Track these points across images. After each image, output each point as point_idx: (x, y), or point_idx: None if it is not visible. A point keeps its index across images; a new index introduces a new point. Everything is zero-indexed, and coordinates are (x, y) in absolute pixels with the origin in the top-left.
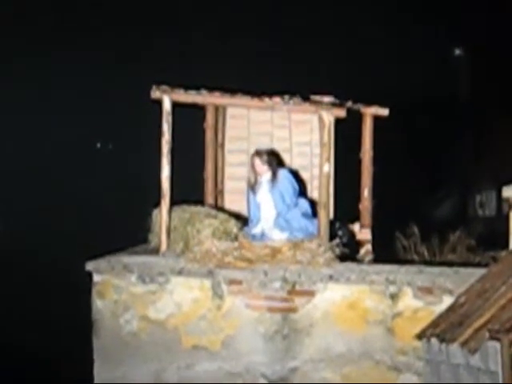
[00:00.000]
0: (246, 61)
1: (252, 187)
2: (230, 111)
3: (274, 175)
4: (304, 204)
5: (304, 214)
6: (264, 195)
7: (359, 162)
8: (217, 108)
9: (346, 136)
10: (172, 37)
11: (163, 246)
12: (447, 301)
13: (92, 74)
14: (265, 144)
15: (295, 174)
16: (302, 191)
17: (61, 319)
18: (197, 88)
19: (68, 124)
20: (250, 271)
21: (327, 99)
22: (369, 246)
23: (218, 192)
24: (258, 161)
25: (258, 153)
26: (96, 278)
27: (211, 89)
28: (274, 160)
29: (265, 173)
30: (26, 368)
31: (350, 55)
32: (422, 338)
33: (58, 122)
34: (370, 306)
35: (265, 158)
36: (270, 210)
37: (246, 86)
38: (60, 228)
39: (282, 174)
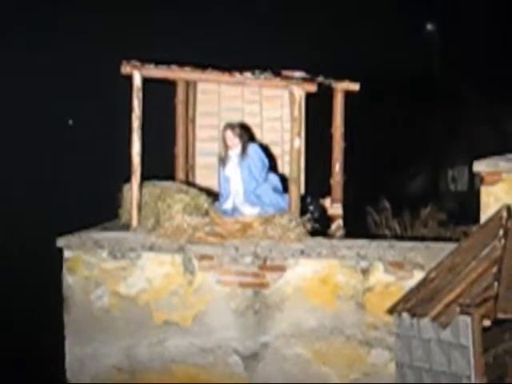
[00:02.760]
0: (216, 36)
1: (222, 161)
2: (200, 86)
3: (244, 149)
4: (274, 179)
5: (275, 189)
6: (233, 169)
7: (330, 137)
8: (187, 83)
9: (317, 111)
10: (143, 11)
11: (134, 222)
12: (418, 275)
13: (64, 49)
14: (236, 119)
15: (266, 149)
16: (273, 166)
17: (33, 296)
18: (167, 63)
19: (40, 101)
20: (221, 246)
21: (298, 74)
22: (340, 221)
23: (189, 167)
24: (229, 133)
25: (230, 125)
26: (67, 254)
27: (182, 64)
28: (245, 134)
29: (235, 146)
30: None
31: (321, 30)
32: (393, 313)
33: (30, 98)
34: (341, 281)
35: (237, 130)
36: (238, 184)
37: (216, 61)
38: (31, 204)
39: (252, 148)
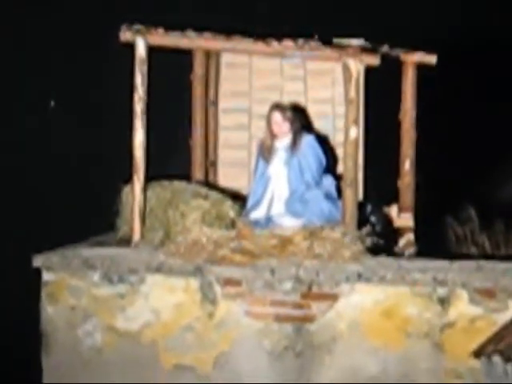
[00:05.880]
0: None
1: (265, 154)
2: (225, 58)
3: (296, 141)
4: (328, 182)
5: (327, 196)
6: (278, 166)
7: (398, 124)
8: (208, 54)
9: (380, 91)
10: None
11: (136, 235)
12: None
13: (47, 11)
14: (271, 101)
15: (323, 142)
16: (330, 167)
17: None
18: (181, 28)
19: (15, 77)
20: (252, 268)
21: (355, 42)
22: (410, 236)
23: (210, 164)
24: (278, 117)
25: (279, 106)
26: (46, 276)
27: (200, 29)
28: (299, 120)
29: (284, 135)
30: None
31: None
32: (482, 356)
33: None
34: (411, 314)
35: (288, 114)
36: (282, 186)
37: (247, 25)
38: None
39: (307, 140)
